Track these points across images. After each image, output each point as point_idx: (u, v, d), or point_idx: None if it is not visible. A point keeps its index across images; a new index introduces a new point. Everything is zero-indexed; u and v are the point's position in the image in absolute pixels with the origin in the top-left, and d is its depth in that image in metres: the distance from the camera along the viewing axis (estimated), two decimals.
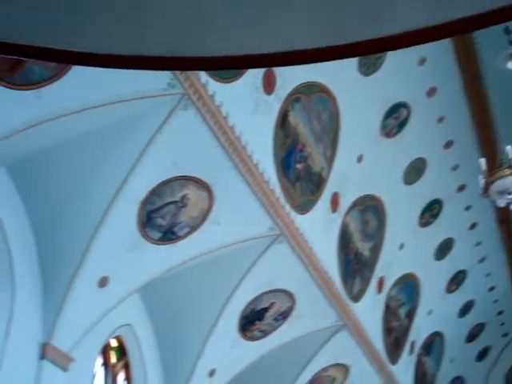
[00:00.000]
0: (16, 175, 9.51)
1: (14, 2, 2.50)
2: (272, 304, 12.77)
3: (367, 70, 11.71)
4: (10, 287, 9.42)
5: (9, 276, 9.44)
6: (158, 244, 10.40)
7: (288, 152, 11.24)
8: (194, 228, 10.57)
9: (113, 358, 11.87)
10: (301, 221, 11.82)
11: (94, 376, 11.02)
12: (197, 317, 11.94)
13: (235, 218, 10.82)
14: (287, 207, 11.40)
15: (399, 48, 2.46)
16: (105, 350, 11.54)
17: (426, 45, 2.44)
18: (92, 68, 7.46)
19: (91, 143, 9.10)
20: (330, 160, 12.35)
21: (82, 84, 8.11)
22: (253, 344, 13.11)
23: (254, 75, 9.78)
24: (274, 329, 13.23)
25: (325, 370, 14.91)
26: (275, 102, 10.52)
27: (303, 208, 11.95)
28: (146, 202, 9.79)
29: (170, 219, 10.24)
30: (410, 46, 2.43)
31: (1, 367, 8.92)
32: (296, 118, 11.18)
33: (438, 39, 2.39)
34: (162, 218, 10.14)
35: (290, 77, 10.50)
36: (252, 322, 12.75)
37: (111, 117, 8.75)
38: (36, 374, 9.44)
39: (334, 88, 11.53)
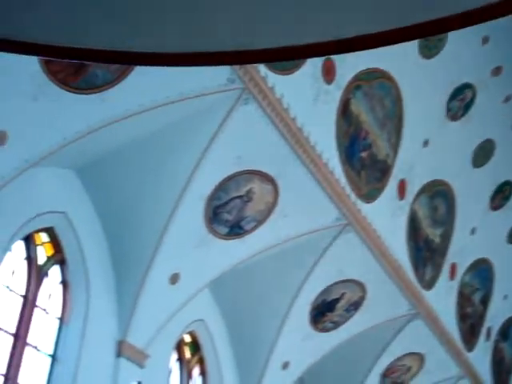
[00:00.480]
0: (85, 178, 9.74)
1: (76, 6, 2.54)
2: (343, 294, 12.69)
3: (429, 52, 11.48)
4: (85, 287, 9.67)
5: (83, 276, 9.69)
6: (226, 239, 10.47)
7: (351, 140, 11.13)
8: (260, 222, 10.59)
9: (187, 353, 12.03)
10: (368, 210, 11.70)
11: (169, 372, 11.20)
12: (268, 310, 11.97)
13: (301, 209, 10.79)
14: (353, 196, 11.30)
15: (460, 28, 2.38)
16: (179, 346, 11.71)
17: (488, 23, 2.36)
18: (152, 69, 7.57)
19: (155, 143, 9.23)
20: (395, 146, 12.16)
21: (143, 85, 8.23)
22: (325, 335, 13.06)
23: (313, 65, 9.71)
24: (346, 319, 13.15)
25: (399, 359, 14.72)
26: (336, 91, 10.42)
27: (370, 196, 11.81)
28: (212, 197, 9.86)
29: (236, 214, 10.29)
30: (471, 25, 2.35)
31: (79, 365, 9.16)
32: (358, 106, 11.06)
33: (499, 17, 2.31)
34: (228, 213, 10.21)
35: (349, 64, 10.38)
36: (323, 313, 12.71)
37: (173, 116, 8.85)
38: (113, 371, 9.66)
39: (395, 73, 11.34)
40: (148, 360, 10.16)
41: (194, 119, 8.99)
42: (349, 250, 11.70)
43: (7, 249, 8.63)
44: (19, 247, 9.17)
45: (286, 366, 12.53)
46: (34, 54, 2.99)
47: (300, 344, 12.59)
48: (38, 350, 9.12)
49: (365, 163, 11.59)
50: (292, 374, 12.82)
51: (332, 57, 9.80)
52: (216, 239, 10.36)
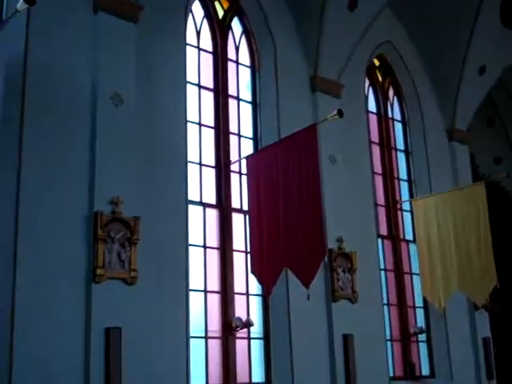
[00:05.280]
0: None
1: None
2: None
3: None
4: (268, 33, 9.80)
5: (264, 24, 9.77)
6: None
7: None
8: None
9: (379, 77, 12.03)
10: None
11: (366, 97, 11.33)
12: (454, 16, 11.41)
13: None
14: None
15: None
16: (370, 71, 11.68)
17: None
18: None
19: None
20: None
21: None
22: None
23: None
24: None
25: None
26: None
27: None
28: None
29: None
30: None
31: (279, 108, 9.55)
32: None
33: None
34: None
35: None
36: None
37: None
38: (312, 106, 9.98)
39: None
40: (343, 90, 10.34)
41: None
42: None
43: (188, 10, 8.82)
44: (197, 7, 9.33)
45: (482, 70, 12.14)
46: None
47: (494, 46, 12.00)
48: (239, 100, 9.60)
49: None
50: (489, 78, 12.45)
51: None
52: None
